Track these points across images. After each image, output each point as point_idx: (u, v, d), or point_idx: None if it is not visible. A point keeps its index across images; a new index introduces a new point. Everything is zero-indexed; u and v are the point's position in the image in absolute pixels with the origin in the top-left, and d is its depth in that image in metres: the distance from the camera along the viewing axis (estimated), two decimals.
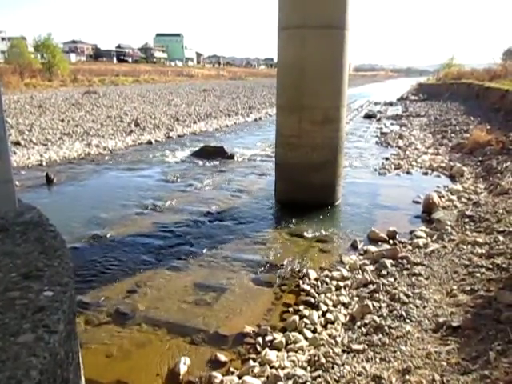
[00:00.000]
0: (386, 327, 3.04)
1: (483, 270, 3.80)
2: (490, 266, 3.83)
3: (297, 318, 3.48)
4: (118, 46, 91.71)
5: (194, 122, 15.93)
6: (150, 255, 4.83)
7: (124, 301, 3.85)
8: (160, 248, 5.02)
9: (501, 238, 4.44)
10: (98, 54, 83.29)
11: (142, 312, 3.67)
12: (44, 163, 9.35)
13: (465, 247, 4.45)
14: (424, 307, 3.30)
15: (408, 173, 8.69)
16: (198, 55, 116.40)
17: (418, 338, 2.87)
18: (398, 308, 3.32)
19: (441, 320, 3.02)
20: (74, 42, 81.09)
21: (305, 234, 5.45)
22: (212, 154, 10.11)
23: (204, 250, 4.93)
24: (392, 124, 16.44)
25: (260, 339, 3.22)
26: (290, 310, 3.70)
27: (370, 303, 3.47)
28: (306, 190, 6.41)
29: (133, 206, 6.50)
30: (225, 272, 4.42)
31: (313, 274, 4.26)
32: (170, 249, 5.00)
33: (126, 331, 3.40)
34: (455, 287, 3.57)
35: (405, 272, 4.09)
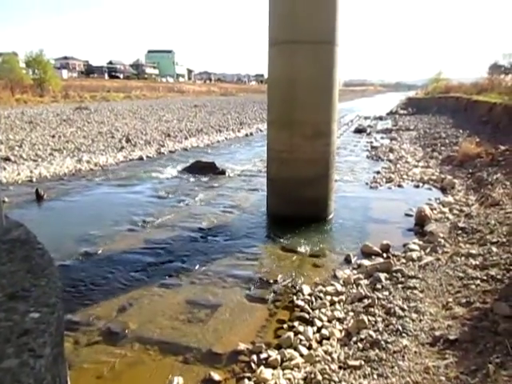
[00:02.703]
0: (382, 342, 3.00)
1: (478, 281, 3.78)
2: (485, 278, 3.81)
3: (291, 334, 3.42)
4: (110, 63, 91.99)
5: (186, 138, 15.93)
6: (141, 272, 4.75)
7: (115, 319, 3.77)
8: (151, 265, 4.95)
9: (494, 249, 4.44)
10: (89, 70, 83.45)
11: (133, 331, 3.59)
12: (34, 179, 9.24)
13: (459, 259, 4.44)
14: (420, 321, 3.27)
15: (399, 186, 8.73)
16: (189, 71, 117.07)
17: (415, 352, 2.83)
18: (394, 322, 3.28)
19: (438, 333, 2.99)
20: (65, 58, 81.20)
21: (298, 248, 5.41)
22: (203, 169, 10.08)
23: (196, 267, 4.86)
24: (382, 138, 16.57)
25: (255, 357, 3.16)
26: (285, 326, 3.64)
27: (365, 318, 3.43)
28: (298, 204, 6.39)
29: (124, 223, 6.43)
30: (217, 288, 4.35)
31: (307, 290, 4.21)
32: (161, 265, 4.93)
33: (118, 351, 3.32)
34: (451, 300, 3.54)
35: (399, 285, 4.06)
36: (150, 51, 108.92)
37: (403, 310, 3.48)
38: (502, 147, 9.24)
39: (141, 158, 11.98)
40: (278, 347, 3.31)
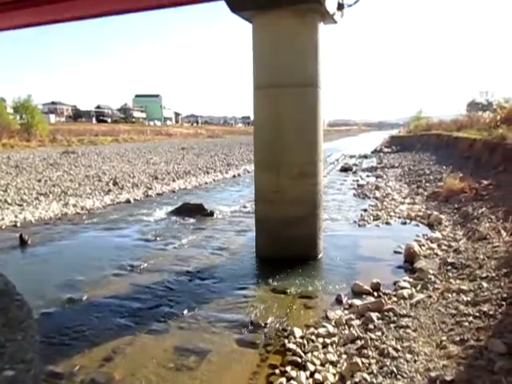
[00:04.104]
0: None
1: (471, 318, 3.74)
2: (477, 314, 3.78)
3: (284, 380, 3.31)
4: (98, 107, 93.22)
5: (173, 180, 15.95)
6: (127, 319, 4.60)
7: (99, 370, 3.61)
8: (138, 310, 4.81)
9: (485, 285, 4.42)
10: (77, 115, 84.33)
11: (118, 381, 3.43)
12: (19, 224, 9.09)
13: (450, 296, 4.41)
14: (415, 361, 3.19)
15: (387, 223, 8.76)
16: (177, 115, 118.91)
17: None
18: (388, 364, 3.20)
19: (433, 374, 2.91)
20: (53, 103, 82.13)
21: (288, 290, 5.32)
22: (191, 211, 10.04)
23: (184, 311, 4.74)
24: (368, 176, 16.80)
25: None
26: (277, 371, 3.51)
27: (358, 360, 3.34)
28: (287, 244, 6.36)
29: (110, 267, 6.30)
30: (207, 333, 4.23)
31: (298, 332, 4.11)
32: (148, 311, 4.80)
33: None
34: (444, 338, 3.48)
35: (392, 325, 3.99)
36: (137, 95, 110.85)
37: (397, 350, 3.40)
38: (485, 182, 9.40)
39: (128, 201, 11.91)
40: None
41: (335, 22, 6.90)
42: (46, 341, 3.97)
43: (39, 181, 14.99)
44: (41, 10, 7.88)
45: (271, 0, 5.99)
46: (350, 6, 6.89)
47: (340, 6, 6.79)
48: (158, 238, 7.96)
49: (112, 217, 9.93)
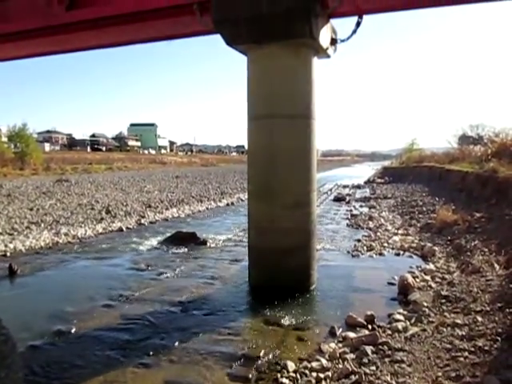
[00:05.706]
0: None
1: (466, 353, 3.69)
2: (473, 349, 3.73)
3: None
4: (93, 135, 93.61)
5: (167, 209, 15.89)
6: (116, 351, 4.49)
7: None
8: (128, 343, 4.69)
9: (479, 319, 4.39)
10: (72, 143, 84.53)
11: None
12: (8, 254, 8.94)
13: (445, 330, 4.36)
14: None
15: (381, 254, 8.73)
16: (171, 143, 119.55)
17: None
18: None
19: None
20: (48, 131, 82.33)
21: (281, 321, 5.23)
22: (184, 240, 9.96)
23: (175, 344, 4.63)
24: (361, 206, 16.85)
25: None
26: None
27: None
28: (280, 274, 6.29)
29: (100, 298, 6.18)
30: (198, 367, 4.12)
31: (291, 366, 4.02)
32: (138, 343, 4.68)
33: None
34: (440, 374, 3.42)
35: (386, 359, 3.92)
36: (132, 124, 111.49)
37: None
38: (478, 214, 9.46)
39: (120, 230, 11.82)
40: None
41: (328, 56, 7.07)
42: (31, 377, 3.86)
43: (31, 209, 14.88)
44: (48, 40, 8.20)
45: (266, 34, 6.15)
46: (342, 41, 7.07)
47: (333, 41, 6.98)
48: (150, 268, 7.86)
49: (104, 246, 9.83)
